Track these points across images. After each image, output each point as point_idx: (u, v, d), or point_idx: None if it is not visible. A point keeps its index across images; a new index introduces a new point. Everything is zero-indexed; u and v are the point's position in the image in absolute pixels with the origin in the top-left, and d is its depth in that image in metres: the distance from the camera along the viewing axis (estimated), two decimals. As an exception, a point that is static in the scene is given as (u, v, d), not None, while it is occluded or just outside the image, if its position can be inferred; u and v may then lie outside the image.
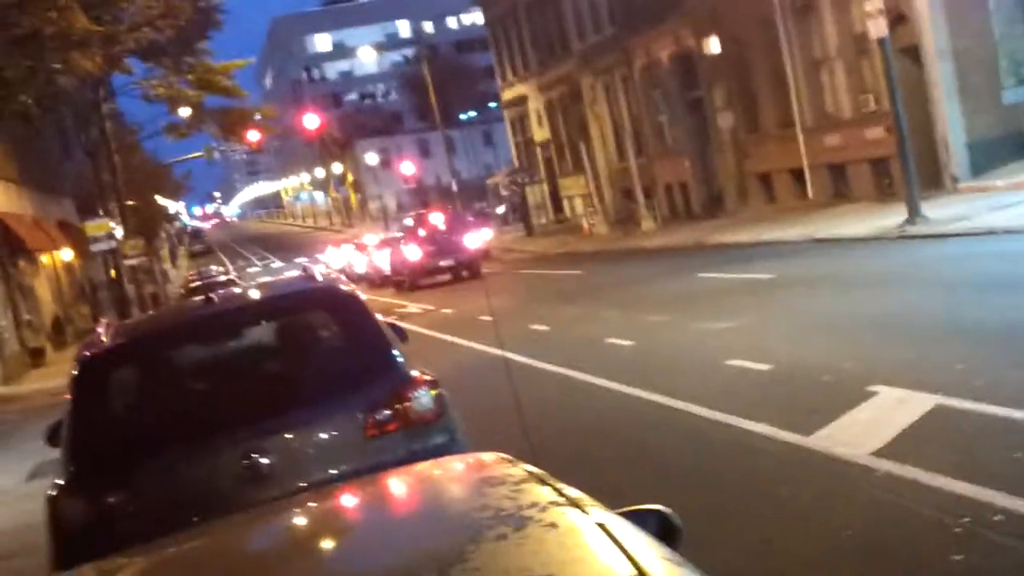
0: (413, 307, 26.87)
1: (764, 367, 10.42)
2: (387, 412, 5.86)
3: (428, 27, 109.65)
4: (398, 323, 9.15)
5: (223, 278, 35.08)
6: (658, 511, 2.83)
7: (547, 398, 11.13)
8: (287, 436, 5.76)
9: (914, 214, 18.80)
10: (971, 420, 7.45)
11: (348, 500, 3.13)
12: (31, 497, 9.81)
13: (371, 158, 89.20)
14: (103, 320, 7.46)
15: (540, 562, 2.15)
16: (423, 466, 3.31)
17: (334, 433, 5.83)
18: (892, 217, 19.73)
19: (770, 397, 9.30)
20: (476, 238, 35.42)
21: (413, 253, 33.42)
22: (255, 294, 7.27)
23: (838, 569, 5.62)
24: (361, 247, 44.74)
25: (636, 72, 37.60)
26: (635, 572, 2.05)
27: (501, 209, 56.19)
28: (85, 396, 5.95)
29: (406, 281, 33.82)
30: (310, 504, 3.12)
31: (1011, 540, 5.38)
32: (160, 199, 68.85)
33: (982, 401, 7.68)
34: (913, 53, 22.67)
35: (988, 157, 22.08)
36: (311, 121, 63.13)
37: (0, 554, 9.48)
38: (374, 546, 2.56)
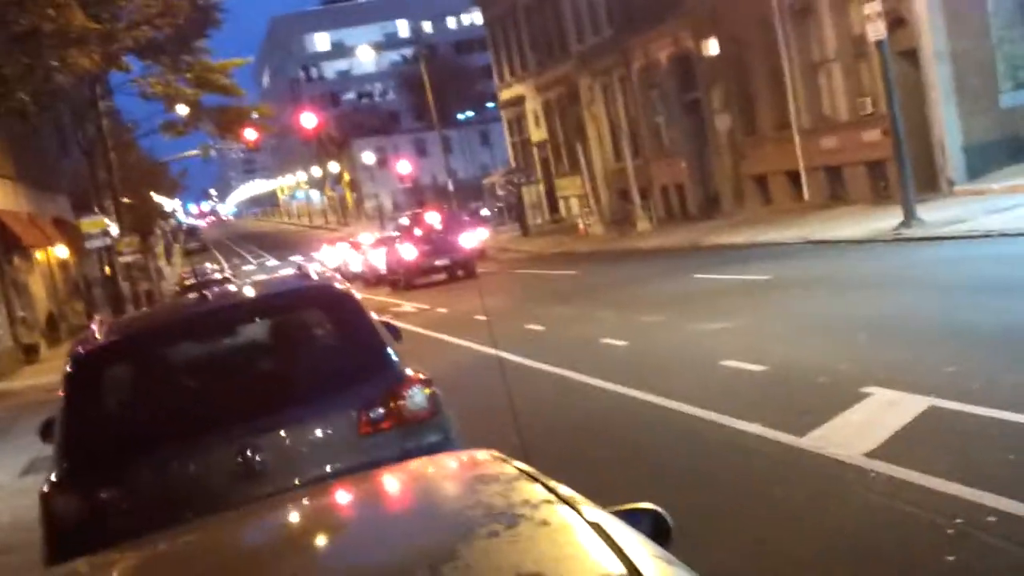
0: (408, 306, 26.86)
1: (758, 368, 10.43)
2: (381, 410, 5.86)
3: (427, 27, 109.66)
4: (392, 322, 9.14)
5: (218, 276, 35.04)
6: (650, 510, 2.84)
7: (541, 397, 11.13)
8: (281, 433, 5.76)
9: (910, 217, 18.81)
10: (965, 422, 7.46)
11: (340, 497, 3.13)
12: (26, 493, 9.81)
13: (368, 157, 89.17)
14: (97, 317, 7.45)
15: (531, 560, 2.15)
16: (416, 463, 3.31)
17: (328, 431, 5.83)
18: (888, 220, 19.76)
19: (764, 398, 9.31)
20: (472, 238, 35.41)
21: (408, 252, 33.41)
22: (250, 292, 7.27)
23: (831, 570, 5.63)
24: (356, 246, 44.73)
25: (634, 73, 37.61)
26: (627, 570, 2.05)
27: (485, 212, 56.17)
28: (78, 392, 5.94)
29: (401, 280, 33.81)
30: (302, 501, 3.12)
31: (1003, 541, 5.39)
32: (156, 196, 68.79)
33: (976, 403, 7.69)
34: (911, 56, 22.69)
35: (984, 160, 22.10)
36: (308, 120, 63.09)
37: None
38: (366, 543, 2.56)
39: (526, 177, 49.59)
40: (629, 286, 20.66)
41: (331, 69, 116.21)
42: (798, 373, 9.93)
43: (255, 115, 46.15)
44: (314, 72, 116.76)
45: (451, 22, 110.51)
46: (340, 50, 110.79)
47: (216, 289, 7.42)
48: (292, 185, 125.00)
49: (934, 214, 19.22)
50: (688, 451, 8.31)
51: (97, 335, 6.30)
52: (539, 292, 23.76)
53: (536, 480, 2.60)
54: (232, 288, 8.68)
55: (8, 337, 27.58)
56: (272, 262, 63.67)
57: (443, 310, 24.01)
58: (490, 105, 73.02)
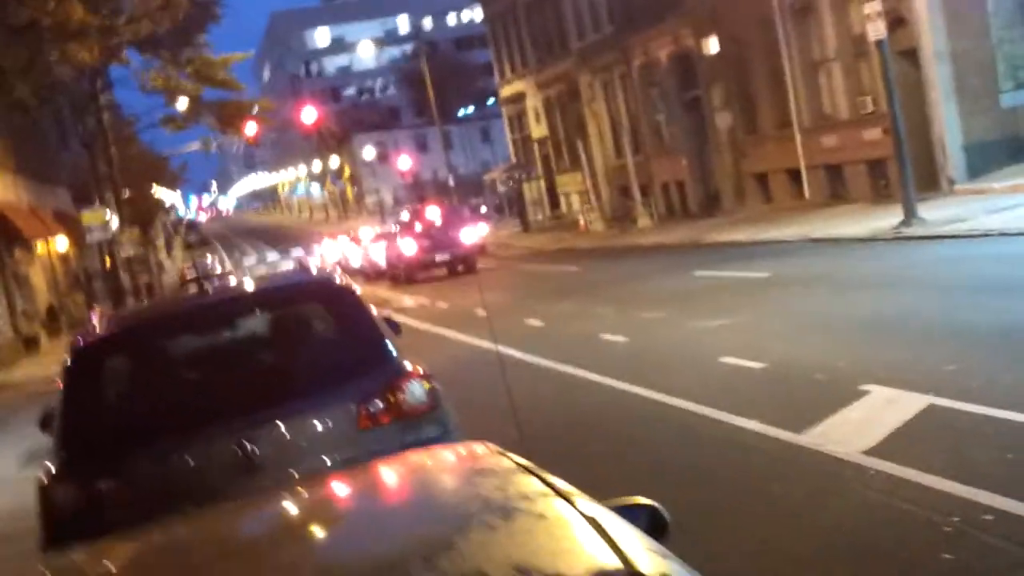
0: (408, 301, 26.85)
1: (758, 365, 10.43)
2: (380, 404, 5.87)
3: (427, 23, 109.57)
4: (392, 316, 9.15)
5: (219, 269, 35.03)
6: (648, 505, 2.84)
7: (540, 393, 11.13)
8: (280, 426, 5.76)
9: (910, 215, 18.82)
10: (963, 420, 7.47)
11: (337, 488, 3.14)
12: (24, 482, 9.80)
13: (368, 152, 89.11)
14: (97, 309, 7.46)
15: (527, 552, 2.16)
16: (413, 456, 3.31)
17: (327, 424, 5.83)
18: (888, 218, 19.76)
19: (763, 395, 9.32)
20: (472, 233, 35.40)
21: (409, 247, 33.41)
22: (250, 285, 7.27)
23: (829, 567, 5.64)
24: (356, 240, 44.72)
25: (635, 71, 37.60)
26: (622, 565, 2.05)
27: (484, 209, 56.13)
28: (78, 384, 5.95)
29: (401, 275, 33.81)
30: (299, 492, 3.12)
31: (1001, 540, 5.40)
32: (156, 189, 68.74)
33: (974, 402, 7.70)
34: (911, 56, 22.68)
35: (985, 160, 22.10)
36: (309, 115, 63.03)
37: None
38: (363, 534, 2.57)
39: (526, 173, 49.56)
40: (629, 282, 20.66)
41: (332, 65, 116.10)
42: (797, 370, 9.94)
43: (255, 109, 46.10)
44: (314, 67, 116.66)
45: (451, 18, 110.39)
46: (341, 46, 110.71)
47: (216, 282, 7.42)
48: (293, 180, 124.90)
49: (934, 213, 19.22)
50: (686, 447, 8.31)
51: (97, 327, 6.31)
52: (539, 288, 23.75)
53: (533, 474, 2.61)
54: (232, 281, 8.68)
55: (8, 328, 27.60)
56: (272, 256, 63.60)
57: (443, 305, 24.02)
58: (491, 102, 72.95)
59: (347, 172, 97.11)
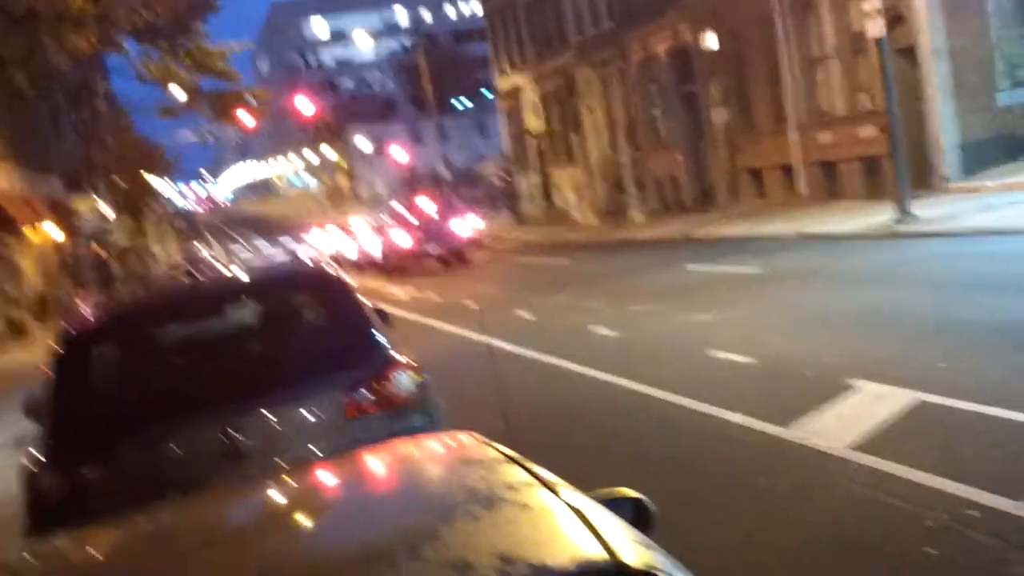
0: (400, 292, 26.83)
1: (747, 359, 10.44)
2: (368, 394, 5.87)
3: (426, 16, 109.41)
4: (383, 307, 9.13)
5: (210, 258, 35.00)
6: (633, 497, 2.84)
7: (529, 384, 11.14)
8: (267, 415, 5.76)
9: (904, 213, 18.85)
10: (951, 417, 7.49)
11: (323, 476, 3.13)
12: (9, 469, 9.78)
13: (364, 144, 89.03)
14: (87, 296, 7.44)
15: (511, 542, 2.16)
16: (399, 445, 3.31)
17: (315, 413, 5.82)
18: (882, 215, 19.78)
19: (751, 389, 9.33)
20: (465, 225, 35.38)
21: (401, 239, 33.38)
22: (241, 275, 7.26)
23: (814, 561, 5.65)
24: (349, 231, 44.67)
25: (632, 66, 37.57)
26: (606, 555, 2.05)
27: (476, 198, 56.06)
28: (66, 371, 5.93)
29: (394, 267, 33.79)
30: (284, 480, 3.12)
31: (985, 536, 5.41)
32: (150, 179, 68.64)
33: (963, 398, 7.71)
34: (909, 54, 22.69)
35: (980, 158, 22.12)
36: (305, 106, 62.97)
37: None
38: (347, 522, 2.56)
39: (521, 167, 49.50)
40: (622, 276, 20.66)
41: (330, 56, 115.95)
42: (787, 365, 9.95)
43: (252, 100, 45.99)
44: (312, 59, 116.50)
45: (450, 11, 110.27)
46: (339, 37, 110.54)
47: (207, 271, 7.40)
48: (288, 170, 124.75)
49: (928, 210, 19.24)
50: (673, 440, 8.32)
51: (86, 314, 6.30)
52: (532, 281, 23.75)
53: (518, 464, 2.61)
54: (223, 270, 8.67)
55: (-2, 315, 27.57)
56: (265, 246, 63.56)
57: (435, 297, 24.00)
58: (488, 95, 72.83)
59: (343, 164, 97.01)
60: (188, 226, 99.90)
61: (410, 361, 6.16)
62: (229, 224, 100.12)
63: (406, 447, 3.22)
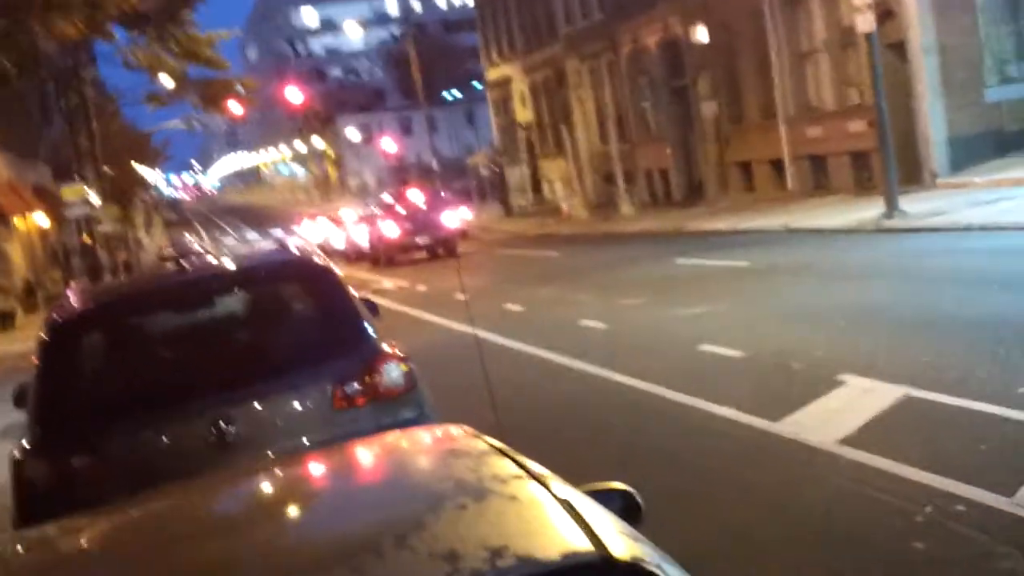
0: (388, 283, 26.81)
1: (736, 353, 10.46)
2: (356, 385, 5.85)
3: (416, 6, 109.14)
4: (370, 298, 9.13)
5: (198, 248, 34.81)
6: (621, 489, 2.85)
7: (518, 377, 11.12)
8: (255, 406, 5.74)
9: (892, 208, 18.89)
10: (938, 411, 7.52)
11: (311, 467, 3.13)
12: (0, 459, 9.75)
13: (353, 134, 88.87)
14: (74, 284, 7.42)
15: (499, 533, 2.16)
16: (388, 436, 3.31)
17: (303, 404, 5.82)
18: (870, 210, 19.83)
19: (740, 383, 9.34)
20: (454, 217, 35.34)
21: (390, 230, 33.33)
22: (229, 264, 7.23)
23: (800, 554, 5.67)
24: (337, 221, 44.59)
25: (622, 58, 37.56)
26: (594, 547, 2.05)
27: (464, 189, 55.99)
28: (53, 359, 5.90)
29: (382, 257, 33.74)
30: (273, 470, 3.12)
31: (971, 530, 5.44)
32: (138, 167, 68.40)
33: (950, 393, 7.74)
34: (899, 49, 22.74)
35: (968, 154, 22.19)
36: (294, 95, 62.81)
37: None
38: (335, 513, 2.56)
39: (510, 158, 49.47)
40: (610, 269, 20.67)
41: (318, 45, 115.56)
42: (775, 359, 9.97)
43: (240, 88, 45.85)
44: (301, 48, 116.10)
45: (440, 1, 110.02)
46: (328, 26, 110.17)
47: (195, 260, 7.38)
48: (276, 159, 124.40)
49: (916, 206, 19.30)
50: (661, 433, 8.34)
51: (74, 303, 6.27)
52: (520, 273, 23.74)
53: (507, 456, 2.61)
54: (211, 260, 8.64)
55: (-15, 304, 27.44)
56: (253, 236, 63.44)
57: (423, 288, 23.98)
58: (477, 85, 72.74)
59: (331, 154, 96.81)
60: (176, 215, 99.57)
61: (398, 352, 6.15)
62: (218, 213, 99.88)
63: (395, 439, 3.22)
